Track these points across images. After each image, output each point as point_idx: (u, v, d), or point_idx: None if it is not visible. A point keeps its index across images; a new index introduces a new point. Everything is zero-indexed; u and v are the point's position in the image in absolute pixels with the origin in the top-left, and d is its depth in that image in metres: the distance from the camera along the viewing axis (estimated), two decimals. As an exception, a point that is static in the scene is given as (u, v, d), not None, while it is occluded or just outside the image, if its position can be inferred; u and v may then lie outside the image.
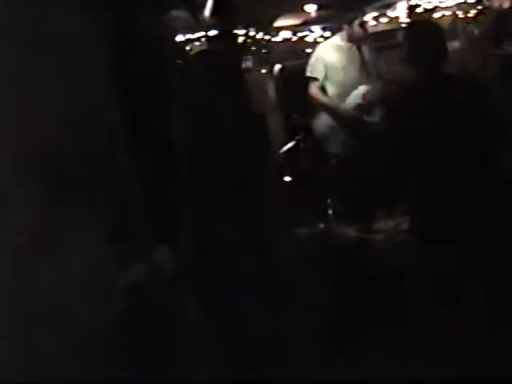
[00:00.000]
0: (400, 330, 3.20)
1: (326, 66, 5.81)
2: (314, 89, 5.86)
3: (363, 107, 5.73)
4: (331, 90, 5.83)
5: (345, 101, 5.77)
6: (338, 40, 5.95)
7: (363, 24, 5.82)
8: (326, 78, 5.82)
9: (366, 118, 5.75)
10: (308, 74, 5.92)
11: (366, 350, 3.10)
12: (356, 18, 5.78)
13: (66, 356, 2.12)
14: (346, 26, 5.84)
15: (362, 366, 2.85)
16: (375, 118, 5.72)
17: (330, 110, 5.84)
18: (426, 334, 3.09)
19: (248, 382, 1.65)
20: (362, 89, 5.75)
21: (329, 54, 5.87)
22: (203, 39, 4.94)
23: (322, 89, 5.85)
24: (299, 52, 6.47)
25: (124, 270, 2.42)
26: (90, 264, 2.27)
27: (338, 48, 5.87)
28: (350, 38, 5.81)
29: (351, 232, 5.52)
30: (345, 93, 5.78)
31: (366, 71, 5.79)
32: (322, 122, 5.90)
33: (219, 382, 2.03)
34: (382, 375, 1.44)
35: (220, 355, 2.65)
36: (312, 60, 5.96)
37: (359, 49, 5.80)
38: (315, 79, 5.84)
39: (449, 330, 3.03)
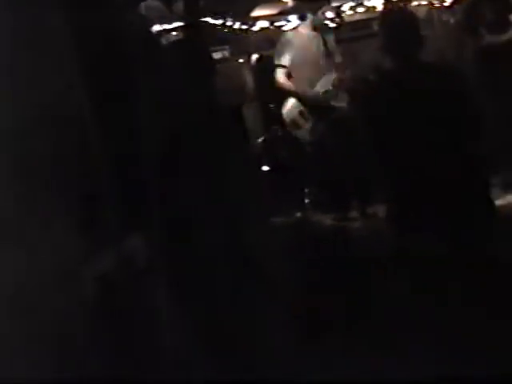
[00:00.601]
0: (376, 319, 3.21)
1: (292, 53, 5.81)
2: (280, 75, 5.86)
3: (332, 93, 5.74)
4: (298, 76, 5.83)
5: (313, 87, 5.78)
6: (303, 28, 5.96)
7: (326, 12, 5.82)
8: (293, 64, 5.81)
9: (334, 103, 5.77)
10: (275, 61, 5.92)
11: (342, 340, 3.09)
12: (322, 6, 5.81)
13: (34, 348, 2.10)
14: (309, 15, 5.86)
15: (336, 357, 2.85)
16: (343, 103, 5.76)
17: (297, 96, 5.84)
18: (403, 322, 3.08)
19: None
20: (331, 75, 5.76)
21: (295, 41, 5.88)
22: (177, 29, 4.92)
23: (290, 75, 5.85)
24: (276, 42, 6.42)
25: (94, 260, 2.40)
26: (59, 253, 2.25)
27: (304, 36, 5.89)
28: (314, 25, 5.83)
29: (327, 220, 5.56)
30: (312, 79, 5.80)
31: (331, 58, 5.81)
32: (290, 108, 5.90)
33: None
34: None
35: (194, 349, 2.64)
36: (278, 47, 5.97)
37: (322, 36, 5.83)
38: (283, 66, 5.84)
39: (426, 318, 3.03)
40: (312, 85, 5.79)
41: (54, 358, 2.10)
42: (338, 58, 5.86)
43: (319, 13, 5.80)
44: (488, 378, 1.77)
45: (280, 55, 5.89)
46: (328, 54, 5.81)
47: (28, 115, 2.23)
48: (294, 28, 6.35)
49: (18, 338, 2.06)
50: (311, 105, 5.78)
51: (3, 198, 2.13)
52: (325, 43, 5.82)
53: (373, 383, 2.27)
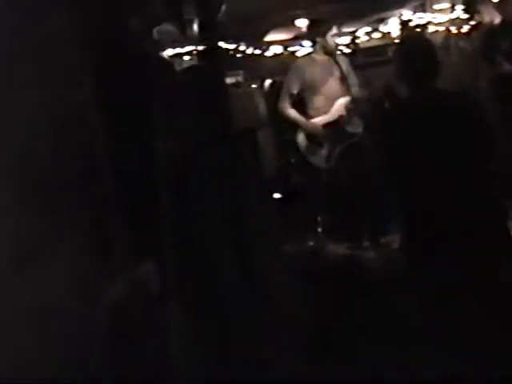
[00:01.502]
0: (390, 346, 3.18)
1: (303, 79, 5.80)
2: (285, 104, 5.86)
3: (345, 118, 5.72)
4: (312, 102, 5.83)
5: (327, 112, 5.76)
6: (316, 53, 5.94)
7: (335, 36, 5.82)
8: (305, 91, 5.81)
9: (349, 129, 5.74)
10: (284, 88, 5.92)
11: (355, 366, 3.06)
12: (328, 29, 5.77)
13: (47, 370, 2.07)
14: (319, 39, 5.85)
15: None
16: (359, 129, 5.73)
17: (300, 126, 5.84)
18: (416, 349, 3.03)
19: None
20: (344, 100, 5.74)
21: (306, 66, 5.87)
22: (191, 54, 4.91)
23: (302, 102, 5.83)
24: (290, 67, 6.42)
25: (107, 286, 2.39)
26: (71, 280, 2.24)
27: (316, 61, 5.87)
28: (325, 50, 5.82)
29: (340, 249, 5.52)
30: (327, 104, 5.78)
31: (345, 83, 5.78)
32: (303, 136, 5.89)
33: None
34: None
35: (205, 371, 2.61)
36: (289, 74, 5.97)
37: (336, 61, 5.81)
38: (291, 95, 5.83)
39: (439, 346, 2.99)
40: (325, 110, 5.78)
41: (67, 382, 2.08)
42: (354, 83, 5.83)
43: (328, 37, 5.76)
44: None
45: (290, 83, 5.89)
46: (343, 78, 5.79)
47: (40, 138, 2.21)
48: (305, 54, 6.36)
49: (31, 362, 2.04)
50: (318, 134, 5.76)
51: (15, 223, 2.11)
52: (339, 68, 5.80)
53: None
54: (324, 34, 5.77)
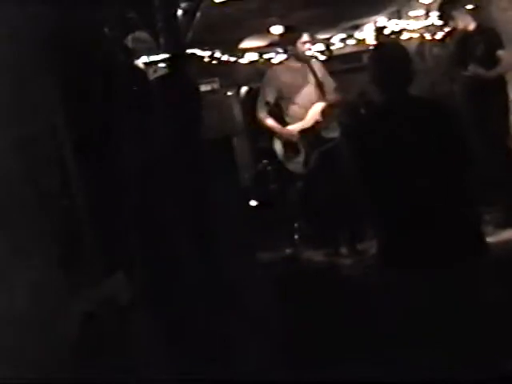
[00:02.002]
0: (366, 351, 3.16)
1: (279, 87, 5.81)
2: (262, 113, 5.87)
3: (321, 124, 5.72)
4: (288, 109, 5.83)
5: (303, 119, 5.76)
6: (288, 60, 5.96)
7: (306, 43, 5.80)
8: (281, 98, 5.82)
9: (325, 134, 5.75)
10: (259, 96, 5.93)
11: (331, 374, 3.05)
12: (298, 37, 5.77)
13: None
14: (291, 47, 5.85)
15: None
16: (335, 134, 5.75)
17: (276, 133, 5.85)
18: (392, 356, 3.02)
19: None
20: (319, 105, 5.75)
21: (281, 74, 5.87)
22: (166, 61, 4.90)
23: (279, 109, 5.84)
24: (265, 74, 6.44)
25: (77, 298, 2.37)
26: (42, 293, 2.22)
27: (290, 68, 5.88)
28: (297, 57, 5.82)
29: (318, 256, 5.52)
30: (302, 111, 5.78)
31: (320, 88, 5.79)
32: (280, 143, 5.90)
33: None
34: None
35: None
36: (263, 82, 5.98)
37: (311, 67, 5.82)
38: (267, 102, 5.84)
39: (416, 353, 2.97)
40: (301, 116, 5.78)
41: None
42: (330, 88, 5.85)
43: (298, 44, 5.76)
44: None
45: (265, 91, 5.89)
46: (318, 84, 5.80)
47: (8, 155, 2.19)
48: (279, 62, 6.37)
49: (5, 373, 2.01)
50: (294, 140, 5.77)
51: None
52: (314, 74, 5.81)
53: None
54: (295, 42, 5.78)
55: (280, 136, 5.83)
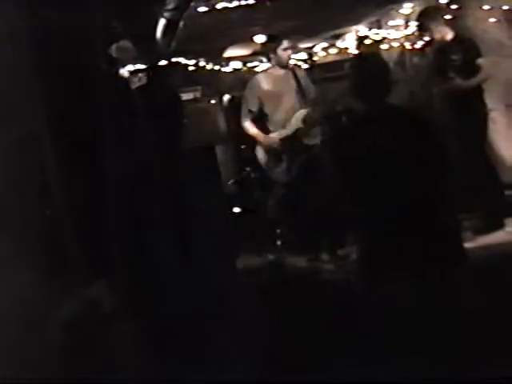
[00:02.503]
0: (349, 360, 3.13)
1: (261, 95, 5.85)
2: (246, 121, 5.92)
3: (303, 131, 5.77)
4: (271, 116, 5.87)
5: (286, 126, 5.80)
6: (271, 68, 6.00)
7: (287, 49, 5.83)
8: (264, 106, 5.86)
9: (307, 142, 5.79)
10: (243, 104, 5.97)
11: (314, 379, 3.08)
12: (279, 44, 5.81)
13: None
14: (272, 54, 5.91)
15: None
16: (316, 140, 5.79)
17: (258, 141, 5.90)
18: (375, 359, 3.06)
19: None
20: (301, 113, 5.79)
21: (263, 82, 5.91)
22: (149, 70, 4.93)
23: (262, 117, 5.88)
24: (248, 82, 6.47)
25: (60, 306, 2.37)
26: (25, 301, 2.22)
27: (272, 76, 5.92)
28: (279, 64, 5.86)
29: (300, 262, 5.54)
30: (285, 118, 5.82)
31: (303, 96, 5.83)
32: (262, 151, 5.94)
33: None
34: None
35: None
36: (246, 91, 6.02)
37: (294, 74, 5.85)
38: (250, 111, 5.88)
39: (399, 355, 3.00)
40: (284, 124, 5.82)
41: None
42: (311, 95, 5.88)
43: (279, 51, 5.81)
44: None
45: (247, 100, 5.94)
46: (301, 91, 5.84)
47: None
48: (262, 70, 6.42)
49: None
50: (276, 148, 5.80)
51: None
52: (297, 81, 5.84)
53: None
54: (277, 49, 5.82)
55: (262, 144, 5.88)
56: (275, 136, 5.82)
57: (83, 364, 2.35)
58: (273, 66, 5.96)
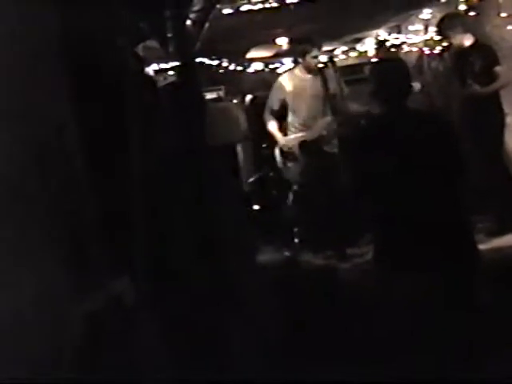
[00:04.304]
0: (365, 358, 3.21)
1: (286, 96, 5.90)
2: (269, 120, 5.98)
3: (325, 138, 5.82)
4: (293, 118, 5.93)
5: (308, 128, 5.85)
6: (298, 71, 6.04)
7: (317, 57, 5.88)
8: (287, 107, 5.92)
9: (327, 149, 5.84)
10: (267, 104, 6.03)
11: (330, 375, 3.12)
12: (308, 50, 5.87)
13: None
14: (301, 59, 5.96)
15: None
16: (335, 149, 5.83)
17: (276, 141, 5.95)
18: (391, 358, 3.11)
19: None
20: (326, 120, 5.84)
21: (289, 84, 5.95)
22: (175, 70, 5.02)
23: (284, 117, 5.94)
24: (270, 83, 6.53)
25: (83, 299, 2.39)
26: (48, 293, 2.23)
27: (298, 78, 5.96)
28: (307, 69, 5.90)
29: (317, 260, 5.59)
30: (307, 121, 5.88)
31: (329, 102, 5.86)
32: (279, 151, 6.00)
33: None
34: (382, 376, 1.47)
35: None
36: (272, 90, 6.08)
37: (323, 78, 5.88)
38: (272, 111, 5.94)
39: (414, 355, 3.06)
40: (305, 127, 5.87)
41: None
42: (341, 101, 5.89)
43: (308, 57, 5.85)
44: None
45: (272, 99, 5.99)
46: (326, 95, 5.86)
47: (17, 157, 2.22)
48: (288, 70, 6.44)
49: (8, 374, 2.03)
50: (293, 150, 5.84)
51: None
52: (326, 85, 5.87)
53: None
54: (306, 53, 5.86)
55: (281, 144, 5.94)
56: (294, 138, 5.88)
57: (104, 358, 2.36)
58: (300, 68, 6.00)
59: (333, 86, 5.90)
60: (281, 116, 5.98)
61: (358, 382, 2.72)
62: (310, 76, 5.93)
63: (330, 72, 6.02)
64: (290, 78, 6.04)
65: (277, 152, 6.00)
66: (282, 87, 5.97)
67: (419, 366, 2.91)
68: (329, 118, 5.84)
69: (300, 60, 5.98)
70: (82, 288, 2.37)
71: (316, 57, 5.86)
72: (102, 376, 2.33)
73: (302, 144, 5.86)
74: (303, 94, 5.89)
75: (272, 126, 5.97)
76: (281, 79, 6.11)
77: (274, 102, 5.96)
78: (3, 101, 2.18)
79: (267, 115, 5.98)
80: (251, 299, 3.48)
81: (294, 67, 6.28)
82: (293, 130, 5.93)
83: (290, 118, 5.93)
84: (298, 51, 6.06)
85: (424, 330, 3.16)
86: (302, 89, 5.90)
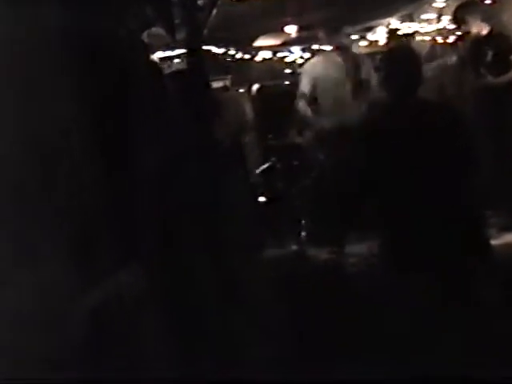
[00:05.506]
0: (370, 354, 3.15)
1: (316, 80, 5.83)
2: (300, 103, 5.90)
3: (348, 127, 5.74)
4: (324, 102, 5.86)
5: (335, 114, 5.78)
6: (328, 55, 5.98)
7: (351, 40, 5.83)
8: (317, 91, 5.84)
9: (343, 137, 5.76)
10: (299, 86, 5.95)
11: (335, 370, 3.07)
12: (339, 31, 5.83)
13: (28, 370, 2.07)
14: (334, 42, 5.88)
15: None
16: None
17: (311, 126, 5.88)
18: (397, 356, 3.06)
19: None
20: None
21: (320, 67, 5.90)
22: (181, 57, 4.97)
23: (315, 101, 5.87)
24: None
25: (88, 291, 2.39)
26: (50, 289, 2.23)
27: (329, 62, 5.89)
28: (340, 54, 5.84)
29: (324, 253, 5.54)
30: (337, 106, 5.80)
31: (359, 87, 5.80)
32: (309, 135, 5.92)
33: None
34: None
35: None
36: (302, 73, 6.02)
37: (355, 64, 5.82)
38: (303, 94, 5.86)
39: (419, 353, 3.00)
40: (332, 112, 5.79)
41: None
42: (372, 83, 5.80)
43: (341, 37, 5.82)
44: None
45: (302, 82, 5.91)
46: (357, 80, 5.80)
47: (21, 147, 2.21)
48: (319, 55, 6.35)
49: (12, 368, 2.03)
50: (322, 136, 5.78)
51: None
52: (356, 70, 5.81)
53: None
54: (336, 36, 5.81)
55: (310, 127, 5.84)
56: (325, 123, 5.78)
57: (110, 351, 2.36)
58: (329, 52, 5.94)
59: (363, 71, 5.83)
60: (309, 99, 5.86)
61: (363, 380, 2.63)
62: (341, 59, 5.84)
63: (360, 57, 5.94)
64: (319, 62, 5.97)
65: (306, 136, 5.91)
66: (311, 71, 5.89)
67: (428, 362, 2.87)
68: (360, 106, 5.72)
69: (334, 43, 5.85)
70: (86, 280, 2.34)
71: (346, 39, 5.76)
72: (105, 374, 2.31)
73: (331, 129, 5.75)
74: (332, 79, 5.80)
75: (304, 109, 5.86)
76: (310, 63, 6.06)
77: (304, 86, 5.86)
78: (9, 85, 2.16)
79: (298, 98, 5.87)
80: (258, 292, 3.42)
81: (322, 51, 6.17)
82: (322, 113, 5.83)
83: (321, 101, 5.82)
84: (328, 34, 5.93)
85: (433, 326, 3.11)
86: (331, 73, 5.80)
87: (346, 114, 5.72)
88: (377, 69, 5.92)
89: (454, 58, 6.29)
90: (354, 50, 5.93)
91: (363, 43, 7.23)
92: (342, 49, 5.83)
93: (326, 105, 5.82)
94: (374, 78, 5.84)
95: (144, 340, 2.58)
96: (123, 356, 2.39)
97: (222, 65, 6.97)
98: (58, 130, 2.41)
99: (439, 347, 3.01)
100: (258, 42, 7.49)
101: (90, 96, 2.59)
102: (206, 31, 5.94)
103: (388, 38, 7.17)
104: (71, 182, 2.43)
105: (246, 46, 7.21)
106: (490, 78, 5.49)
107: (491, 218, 5.02)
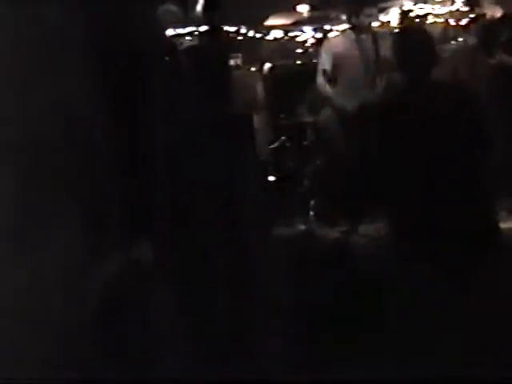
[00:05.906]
0: (379, 334, 3.17)
1: (335, 57, 5.78)
2: (318, 79, 5.85)
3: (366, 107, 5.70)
4: (344, 79, 5.78)
5: (356, 92, 5.72)
6: (349, 32, 5.90)
7: (371, 16, 5.76)
8: (337, 68, 5.77)
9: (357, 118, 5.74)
10: (318, 63, 5.89)
11: (343, 354, 3.08)
12: (361, 9, 5.73)
13: (40, 351, 2.09)
14: (355, 19, 5.79)
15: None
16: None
17: (332, 104, 5.84)
18: (405, 338, 3.08)
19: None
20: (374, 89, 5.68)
21: (338, 44, 5.85)
22: (193, 34, 4.94)
23: (335, 79, 5.82)
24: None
25: (101, 264, 2.40)
26: (66, 257, 2.25)
27: (349, 39, 5.82)
28: (360, 30, 5.77)
29: (333, 233, 5.55)
30: (356, 84, 5.72)
31: (378, 64, 5.70)
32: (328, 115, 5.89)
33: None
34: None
35: (193, 354, 2.63)
36: (321, 50, 5.95)
37: (374, 41, 5.73)
38: (324, 70, 5.83)
39: (428, 334, 3.03)
40: (356, 88, 5.75)
41: (59, 358, 2.10)
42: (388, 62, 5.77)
43: (362, 16, 5.70)
44: None
45: (322, 59, 5.88)
46: (377, 58, 5.70)
47: (38, 125, 2.22)
48: (341, 31, 6.34)
49: (25, 338, 2.05)
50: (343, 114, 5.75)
51: (12, 203, 2.12)
52: (376, 48, 5.72)
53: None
54: (359, 12, 5.73)
55: (330, 104, 5.81)
56: (343, 103, 5.72)
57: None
58: (351, 29, 5.86)
59: (383, 50, 5.67)
60: (332, 77, 5.80)
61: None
62: (361, 36, 5.76)
63: (383, 35, 5.87)
64: (338, 39, 5.95)
65: (327, 112, 5.89)
66: (330, 48, 5.84)
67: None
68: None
69: (353, 19, 5.79)
70: (99, 252, 2.35)
71: (370, 16, 5.73)
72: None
73: (354, 108, 5.66)
74: (353, 57, 5.72)
75: (323, 86, 5.82)
76: (329, 40, 6.04)
77: (324, 63, 5.81)
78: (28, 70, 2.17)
79: (319, 76, 5.84)
80: (267, 271, 3.44)
81: (344, 28, 6.12)
82: (342, 90, 5.77)
83: (341, 78, 5.77)
84: (351, 10, 5.85)
85: (439, 311, 3.11)
86: (352, 51, 5.73)
87: (364, 93, 5.69)
88: (393, 49, 5.91)
89: (468, 40, 6.26)
90: (373, 29, 5.81)
91: (376, 24, 7.19)
92: (362, 28, 5.74)
93: (346, 83, 5.76)
94: (392, 58, 5.80)
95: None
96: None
97: (234, 43, 6.94)
98: (71, 107, 2.41)
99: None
100: (270, 21, 7.46)
101: (105, 73, 2.59)
102: (218, 9, 5.90)
103: (400, 19, 7.12)
104: (84, 159, 2.44)
105: (258, 25, 7.18)
106: (504, 58, 5.45)
107: (504, 201, 5.03)
